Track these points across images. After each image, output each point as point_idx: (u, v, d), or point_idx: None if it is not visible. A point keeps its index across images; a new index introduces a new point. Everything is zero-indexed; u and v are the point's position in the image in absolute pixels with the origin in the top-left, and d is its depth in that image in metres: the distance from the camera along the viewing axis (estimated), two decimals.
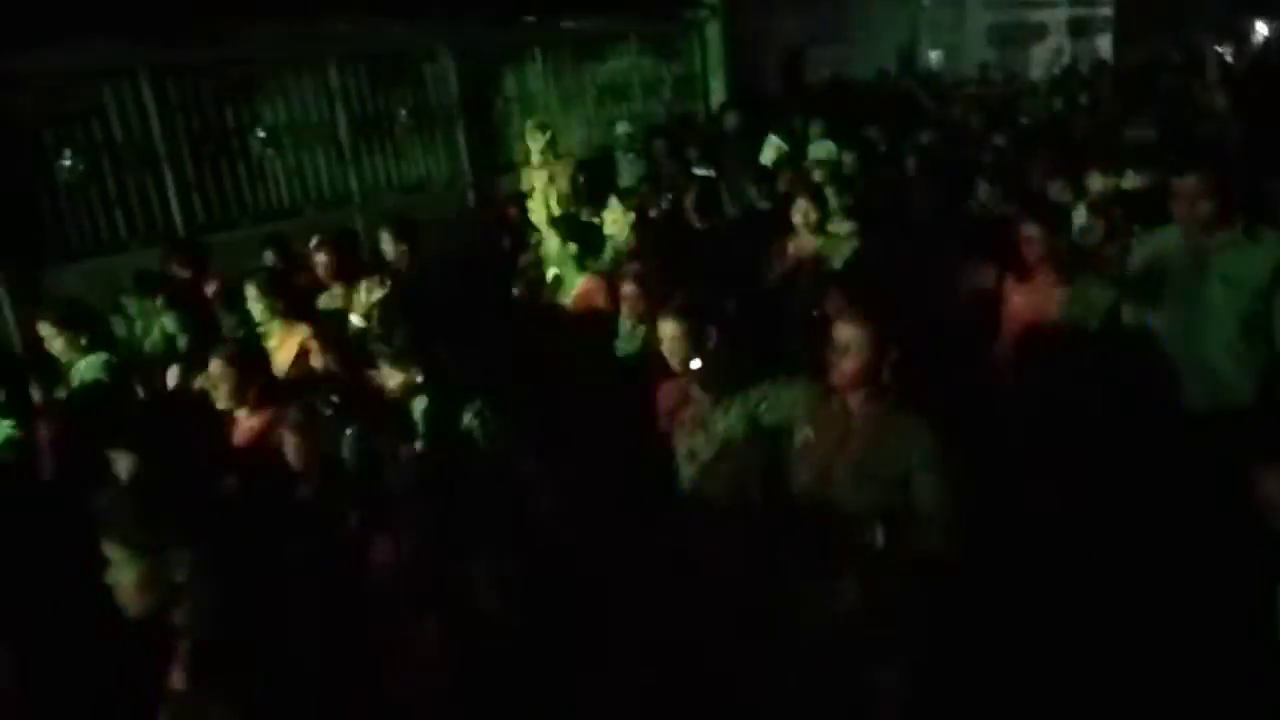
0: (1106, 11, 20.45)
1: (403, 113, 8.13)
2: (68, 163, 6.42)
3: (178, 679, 1.83)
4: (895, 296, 3.04)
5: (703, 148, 8.63)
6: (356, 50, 7.79)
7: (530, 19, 9.10)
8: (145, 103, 6.73)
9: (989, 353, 3.99)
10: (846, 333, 2.51)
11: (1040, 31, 18.93)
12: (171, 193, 6.91)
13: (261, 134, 7.31)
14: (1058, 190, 5.31)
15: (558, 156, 7.19)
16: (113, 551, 1.86)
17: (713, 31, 10.59)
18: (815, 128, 8.74)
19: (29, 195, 6.30)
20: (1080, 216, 4.76)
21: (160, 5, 6.41)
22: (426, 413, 3.13)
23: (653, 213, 6.03)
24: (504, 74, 9.05)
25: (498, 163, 8.69)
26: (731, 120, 9.21)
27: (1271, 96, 10.98)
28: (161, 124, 6.82)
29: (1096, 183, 5.12)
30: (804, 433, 2.64)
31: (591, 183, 7.24)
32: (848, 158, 7.49)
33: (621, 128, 8.79)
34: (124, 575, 1.85)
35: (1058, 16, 19.35)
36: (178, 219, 6.93)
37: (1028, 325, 3.83)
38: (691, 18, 10.45)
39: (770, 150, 8.66)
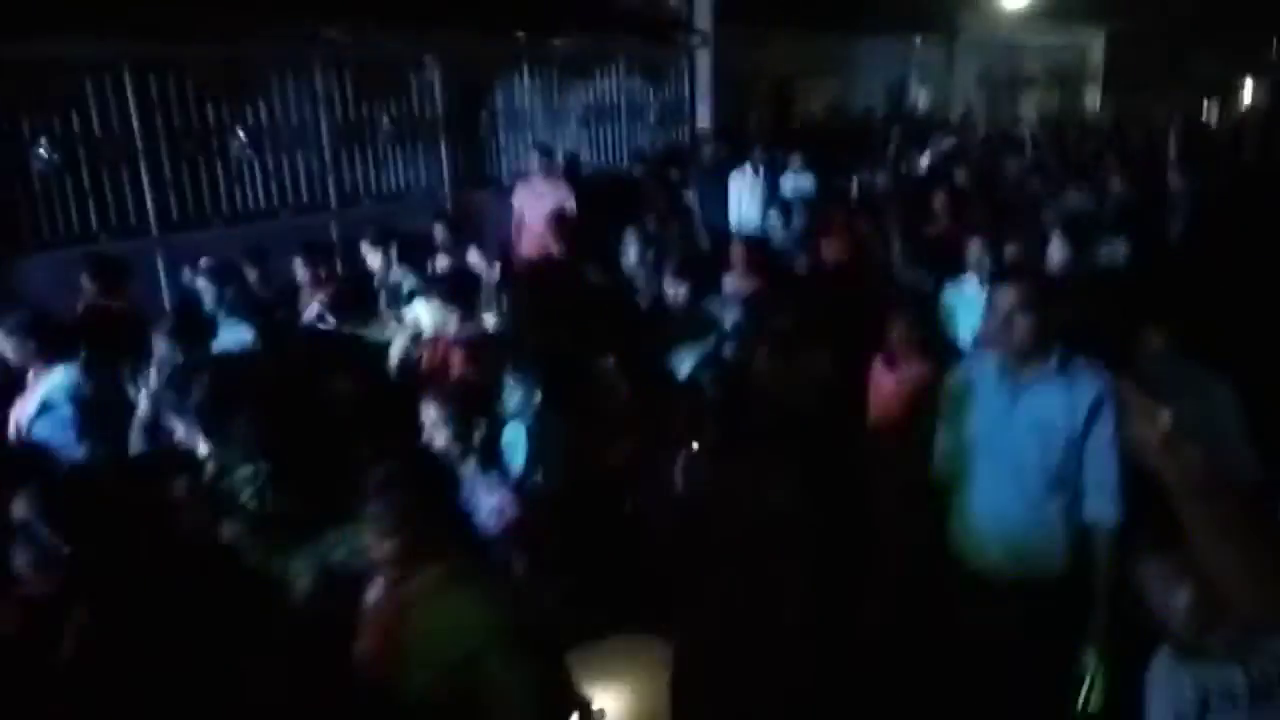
0: (1096, 60, 20.76)
1: (386, 120, 8.16)
2: (43, 153, 6.42)
3: None
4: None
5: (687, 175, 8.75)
6: (344, 55, 7.82)
7: (520, 34, 9.18)
8: (126, 96, 6.73)
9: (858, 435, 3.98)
10: None
11: (1028, 80, 19.21)
12: (146, 187, 6.91)
13: (242, 134, 7.32)
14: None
15: None
16: None
17: (703, 58, 10.70)
18: (795, 160, 8.78)
19: (3, 184, 6.29)
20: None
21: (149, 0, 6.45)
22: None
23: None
24: (491, 88, 9.12)
25: (480, 176, 8.75)
26: (708, 150, 9.32)
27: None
28: (141, 118, 6.82)
29: (975, 250, 4.91)
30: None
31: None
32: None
33: None
34: None
35: (1045, 65, 19.64)
36: (151, 214, 6.93)
37: (883, 414, 3.88)
38: (683, 43, 10.56)
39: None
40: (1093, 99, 20.76)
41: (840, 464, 3.59)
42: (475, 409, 3.09)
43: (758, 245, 5.65)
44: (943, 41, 16.54)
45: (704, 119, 10.74)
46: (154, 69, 6.83)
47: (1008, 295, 2.68)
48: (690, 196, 8.56)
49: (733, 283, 5.22)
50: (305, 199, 7.77)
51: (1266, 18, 21.44)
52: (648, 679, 3.02)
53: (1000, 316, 2.67)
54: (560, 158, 8.55)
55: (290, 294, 5.55)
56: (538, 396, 3.58)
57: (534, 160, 7.83)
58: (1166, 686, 2.01)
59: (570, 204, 7.47)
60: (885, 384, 3.95)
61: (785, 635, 2.79)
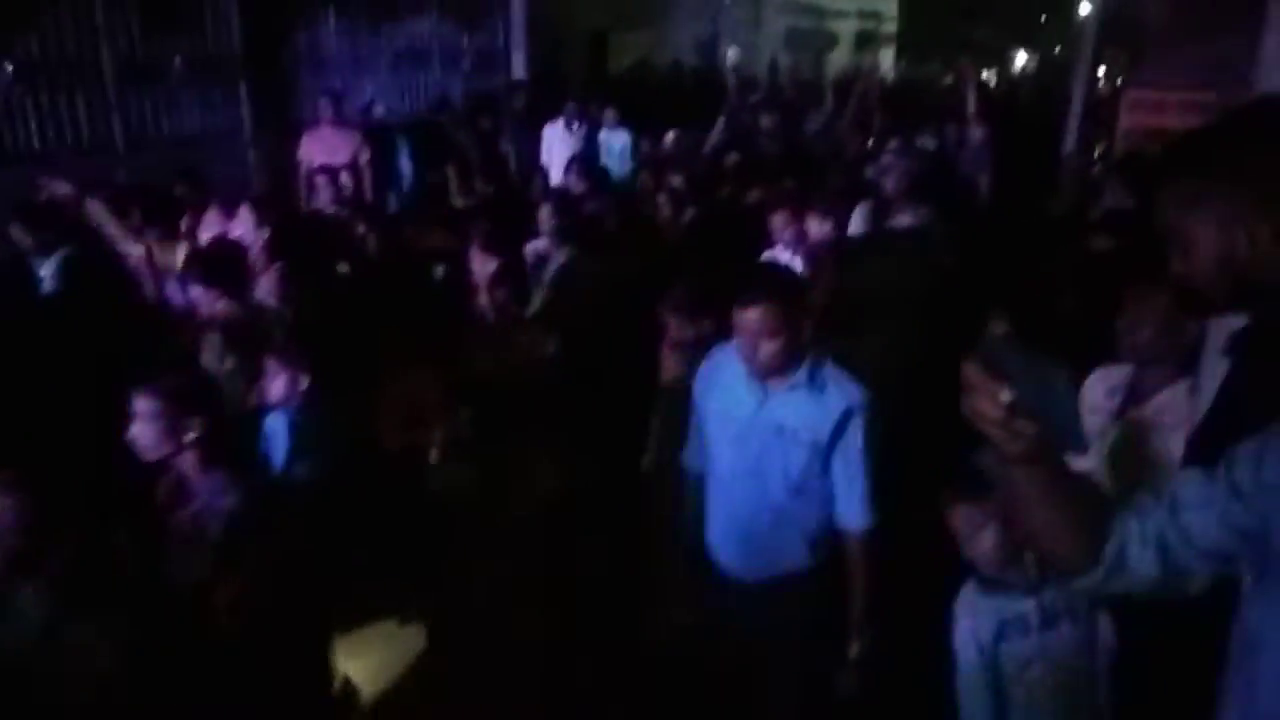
0: (890, 28, 21.99)
1: (177, 60, 7.66)
2: None
3: None
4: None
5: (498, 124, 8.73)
6: None
7: None
8: None
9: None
10: None
11: (831, 40, 20.12)
12: None
13: (10, 68, 6.69)
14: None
15: None
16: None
17: (517, 6, 10.59)
18: (609, 114, 8.82)
19: None
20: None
21: None
22: None
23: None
24: (294, 27, 8.70)
25: (282, 121, 8.36)
26: (519, 100, 9.27)
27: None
28: None
29: (814, 227, 4.87)
30: None
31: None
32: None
33: None
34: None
35: (847, 28, 20.62)
36: None
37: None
38: None
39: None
40: (887, 62, 22.01)
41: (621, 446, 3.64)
42: (190, 404, 2.60)
43: (568, 208, 5.45)
44: (751, 0, 17.05)
45: (519, 69, 10.67)
46: None
47: (751, 319, 2.46)
48: (504, 146, 8.55)
49: (540, 246, 5.09)
50: (86, 140, 7.20)
51: None
52: (400, 659, 3.27)
53: (745, 339, 2.50)
54: (357, 104, 8.36)
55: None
56: (303, 383, 3.23)
57: (323, 106, 7.49)
58: (968, 617, 2.35)
59: (364, 155, 7.28)
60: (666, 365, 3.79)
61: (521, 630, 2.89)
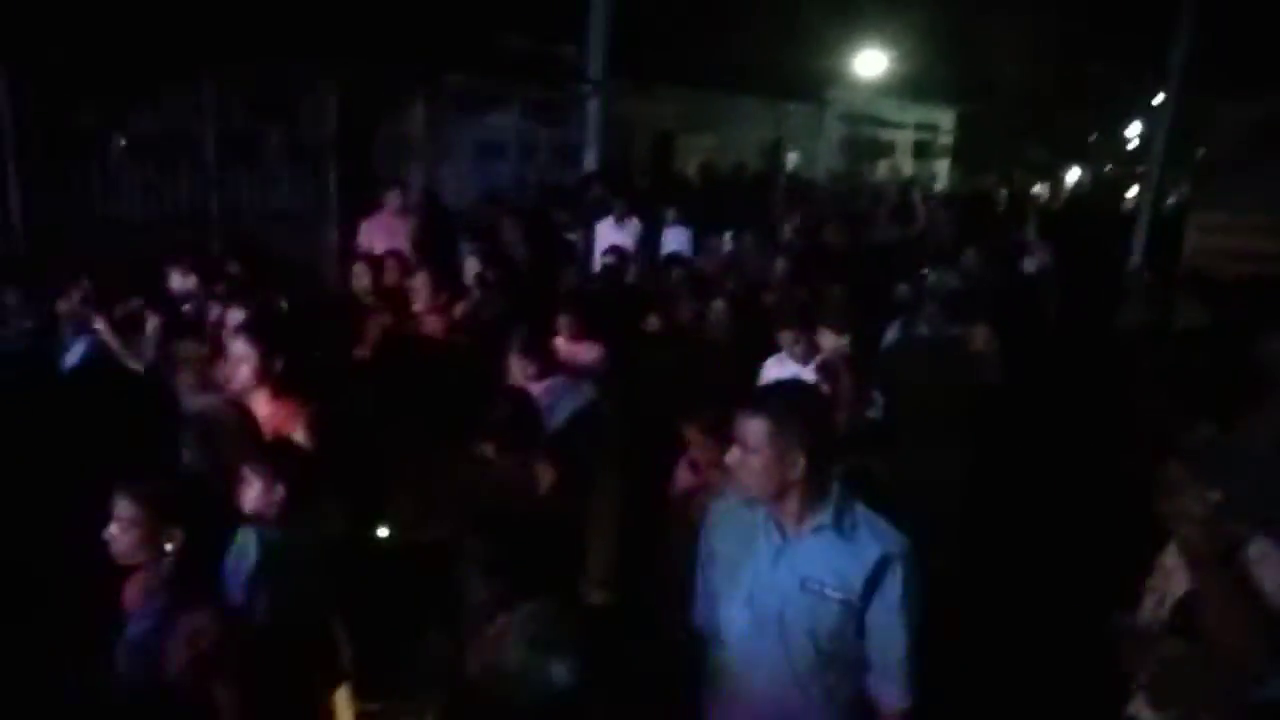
0: (946, 140, 22.41)
1: (274, 140, 8.04)
2: None
3: None
4: None
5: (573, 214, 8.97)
6: (235, 68, 7.67)
7: (416, 67, 9.24)
8: None
9: None
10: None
11: (888, 149, 20.55)
12: (13, 185, 6.56)
13: (122, 141, 7.07)
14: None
15: None
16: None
17: (593, 106, 11.00)
18: (670, 212, 8.91)
19: None
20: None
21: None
22: None
23: None
24: (383, 117, 9.11)
25: (368, 203, 8.68)
26: (594, 191, 9.52)
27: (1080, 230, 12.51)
28: (14, 112, 6.49)
29: (828, 340, 4.57)
30: None
31: None
32: None
33: None
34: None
35: (905, 138, 21.06)
36: (15, 214, 6.58)
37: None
38: (575, 91, 10.83)
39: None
40: (942, 172, 22.38)
41: None
42: (170, 514, 2.37)
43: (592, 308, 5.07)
44: (813, 108, 17.52)
45: (590, 163, 11.02)
46: (27, 68, 6.53)
47: (738, 432, 2.12)
48: (575, 238, 8.76)
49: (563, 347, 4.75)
50: (185, 212, 7.53)
51: (1085, 114, 23.91)
52: None
53: (735, 453, 2.14)
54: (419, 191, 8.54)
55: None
56: (279, 493, 2.78)
57: (389, 196, 7.42)
58: None
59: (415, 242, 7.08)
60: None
61: None
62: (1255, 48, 10.02)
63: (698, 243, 8.68)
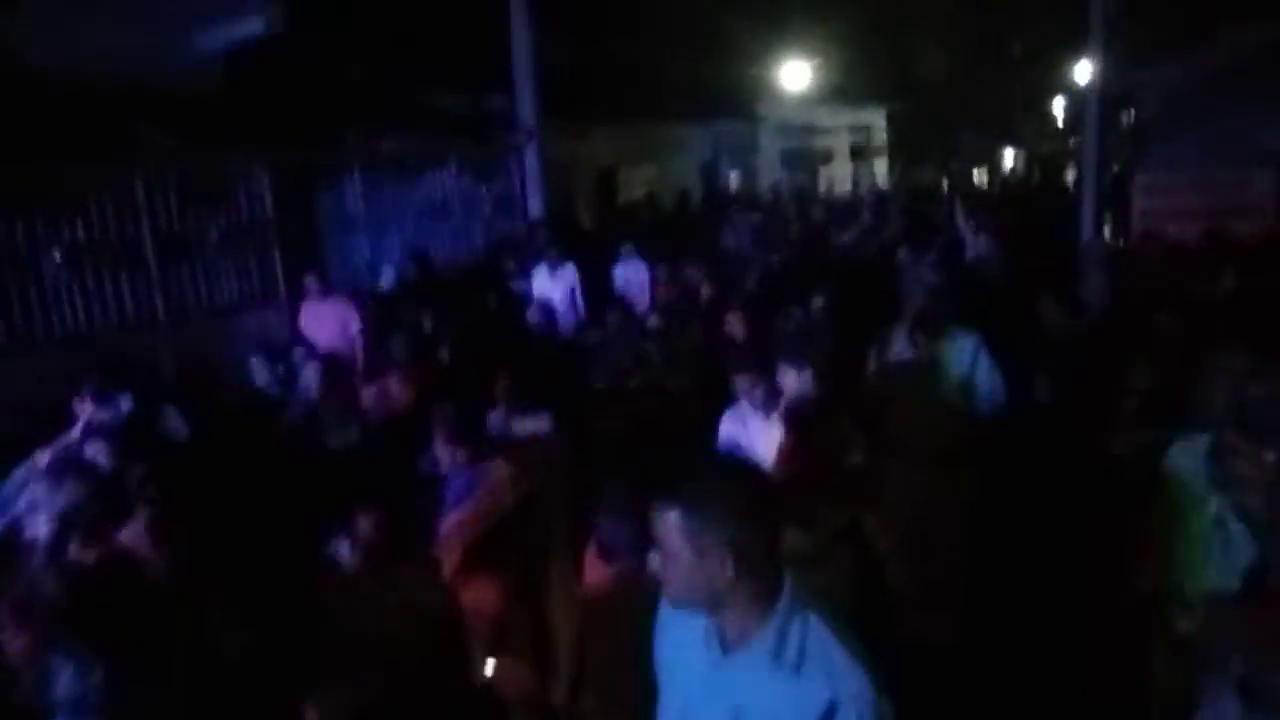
0: (880, 139, 22.71)
1: (214, 232, 7.87)
2: None
3: None
4: None
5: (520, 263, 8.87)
6: (166, 166, 7.52)
7: (348, 138, 9.14)
8: None
9: None
10: None
11: (826, 156, 20.78)
12: None
13: (57, 256, 6.87)
14: None
15: None
16: None
17: (530, 152, 10.96)
18: (626, 248, 8.89)
19: None
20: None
21: None
22: None
23: None
24: (321, 191, 8.99)
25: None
26: (540, 237, 9.43)
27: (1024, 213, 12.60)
28: None
29: (789, 380, 3.95)
30: None
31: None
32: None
33: None
34: None
35: (840, 143, 21.32)
36: None
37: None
38: (509, 141, 10.79)
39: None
40: (881, 170, 22.64)
41: None
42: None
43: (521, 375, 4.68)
44: (747, 124, 17.67)
45: (535, 209, 10.96)
46: None
47: (655, 524, 1.73)
48: (523, 285, 8.61)
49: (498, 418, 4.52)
50: (131, 317, 7.33)
51: (1012, 96, 24.40)
52: None
53: (653, 556, 1.83)
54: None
55: None
56: (96, 674, 2.39)
57: (308, 281, 7.42)
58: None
59: (353, 326, 7.16)
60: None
61: None
62: (1175, 7, 10.24)
63: (654, 277, 8.62)
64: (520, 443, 4.25)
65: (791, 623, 1.69)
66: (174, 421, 5.29)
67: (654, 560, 1.82)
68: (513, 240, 10.36)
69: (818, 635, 1.69)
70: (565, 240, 9.24)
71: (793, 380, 3.74)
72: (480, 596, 3.33)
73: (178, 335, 7.36)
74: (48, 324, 6.87)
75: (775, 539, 1.76)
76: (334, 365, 6.02)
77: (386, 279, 8.69)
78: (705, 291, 7.23)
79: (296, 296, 7.86)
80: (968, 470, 3.96)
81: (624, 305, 7.00)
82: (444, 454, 3.67)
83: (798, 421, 3.58)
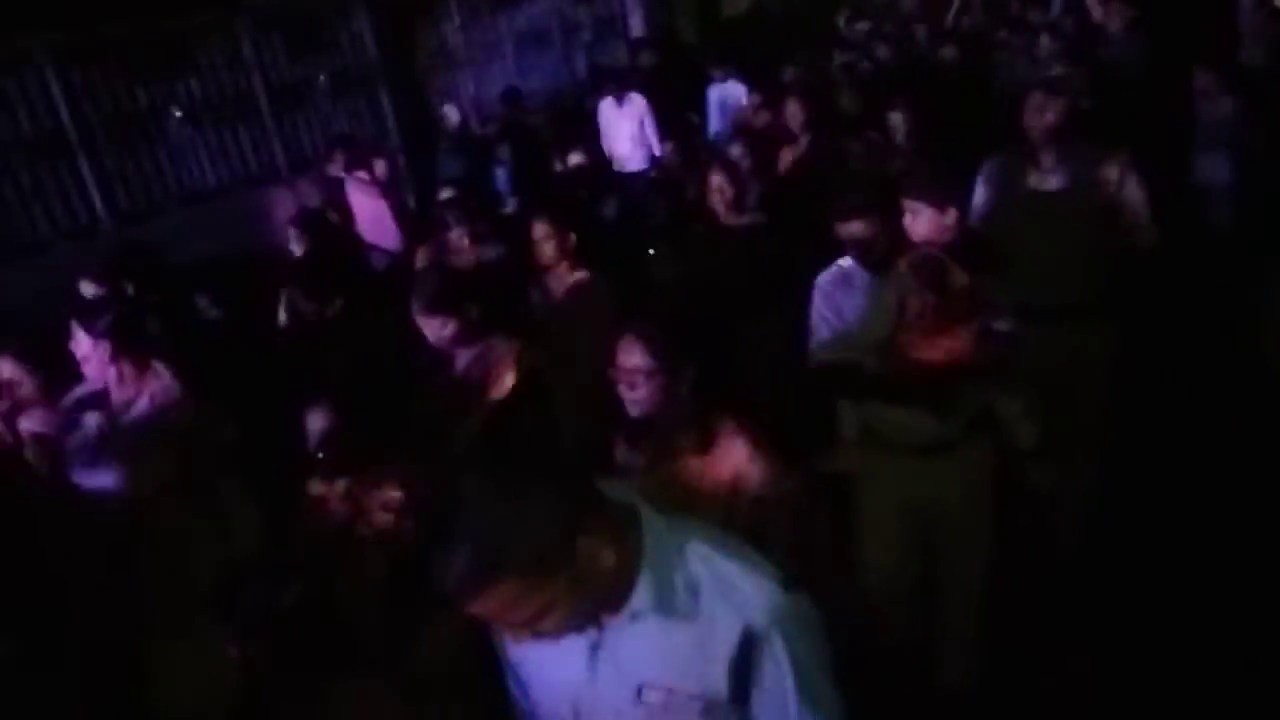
0: None
1: (322, 78, 7.88)
2: None
3: None
4: None
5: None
6: (269, 17, 7.49)
7: None
8: (51, 91, 6.42)
9: None
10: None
11: None
12: (90, 183, 6.65)
13: (178, 113, 7.04)
14: None
15: None
16: None
17: None
18: (718, 70, 7.80)
19: None
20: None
21: None
22: None
23: None
24: (419, 29, 8.82)
25: (422, 122, 8.51)
26: (648, 58, 8.96)
27: None
28: (70, 111, 6.52)
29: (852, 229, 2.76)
30: None
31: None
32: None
33: None
34: None
35: None
36: (99, 209, 6.69)
37: None
38: None
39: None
40: None
41: None
42: None
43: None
44: None
45: (637, 29, 10.51)
46: (74, 57, 6.50)
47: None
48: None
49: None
50: (254, 169, 7.52)
51: None
52: None
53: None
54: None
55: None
56: None
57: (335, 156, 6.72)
58: None
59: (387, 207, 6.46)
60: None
61: None
62: None
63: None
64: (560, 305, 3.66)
65: (666, 562, 1.33)
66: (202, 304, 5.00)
67: None
68: (613, 71, 9.94)
69: (705, 562, 1.34)
70: (665, 60, 8.80)
71: (926, 223, 2.81)
72: None
73: (297, 185, 7.53)
74: (177, 182, 7.12)
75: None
76: (315, 220, 5.58)
77: (451, 118, 7.70)
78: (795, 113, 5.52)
79: (407, 136, 7.87)
80: (1111, 325, 3.29)
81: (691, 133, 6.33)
82: (429, 328, 3.07)
83: (937, 277, 2.51)
